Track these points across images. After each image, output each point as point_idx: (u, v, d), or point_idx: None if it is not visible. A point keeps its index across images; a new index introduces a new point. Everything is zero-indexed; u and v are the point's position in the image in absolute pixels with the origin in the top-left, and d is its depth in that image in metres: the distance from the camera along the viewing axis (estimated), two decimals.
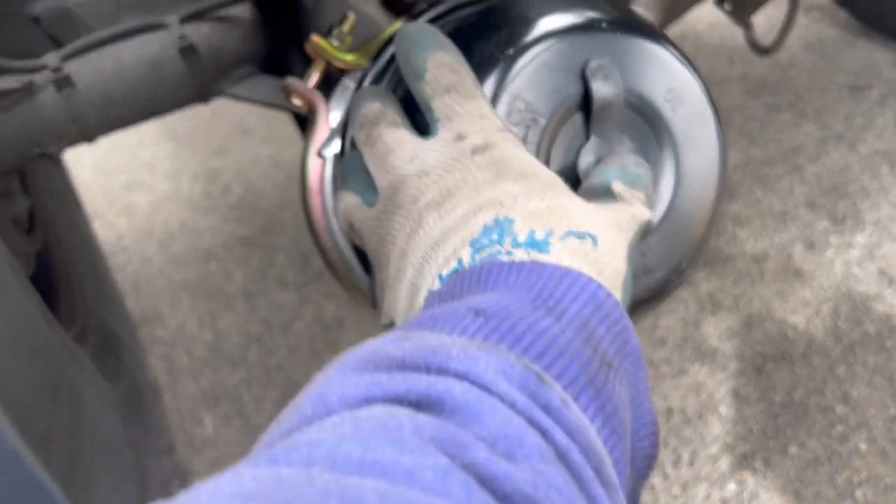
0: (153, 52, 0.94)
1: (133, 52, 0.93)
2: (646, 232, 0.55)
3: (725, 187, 0.77)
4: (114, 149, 2.07)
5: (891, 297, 1.42)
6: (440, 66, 0.56)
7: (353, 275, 0.85)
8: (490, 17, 0.68)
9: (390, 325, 0.56)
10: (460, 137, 0.53)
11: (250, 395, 1.39)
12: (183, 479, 1.27)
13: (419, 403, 0.33)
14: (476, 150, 0.52)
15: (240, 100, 0.99)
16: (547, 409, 0.34)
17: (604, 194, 0.54)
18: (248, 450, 0.33)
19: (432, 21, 0.76)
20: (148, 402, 1.21)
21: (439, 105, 0.55)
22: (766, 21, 1.96)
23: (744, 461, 1.21)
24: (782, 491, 1.17)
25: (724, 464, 1.21)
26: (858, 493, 1.15)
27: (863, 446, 1.21)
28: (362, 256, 0.79)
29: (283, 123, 2.05)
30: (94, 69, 0.92)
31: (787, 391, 1.29)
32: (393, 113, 0.59)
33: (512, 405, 0.33)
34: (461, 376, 0.34)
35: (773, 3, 1.48)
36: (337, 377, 0.35)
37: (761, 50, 1.29)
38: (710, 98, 0.72)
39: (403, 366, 0.35)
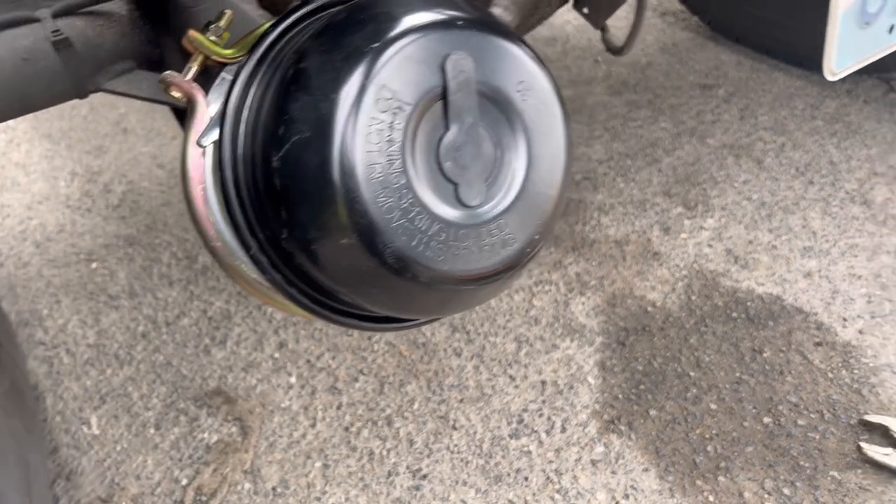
0: (25, 46, 0.92)
1: (4, 45, 0.92)
2: None
3: (572, 168, 0.86)
4: None
5: (737, 273, 1.58)
6: None
7: (237, 260, 0.88)
8: (358, 13, 0.74)
9: None
10: None
11: (138, 393, 1.39)
12: (68, 479, 1.25)
13: None
14: None
15: (118, 95, 0.99)
16: None
17: None
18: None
19: (304, 18, 0.82)
20: (29, 402, 1.19)
21: None
22: (624, 25, 2.12)
23: (610, 425, 1.33)
24: (645, 450, 1.29)
25: (593, 429, 1.32)
26: (710, 448, 1.29)
27: (713, 406, 1.35)
28: (244, 243, 0.84)
29: (164, 122, 2.03)
30: None
31: (647, 360, 1.42)
32: None
33: None
34: None
35: (630, 9, 1.61)
36: None
37: (615, 50, 1.41)
38: (558, 90, 0.81)
39: None
